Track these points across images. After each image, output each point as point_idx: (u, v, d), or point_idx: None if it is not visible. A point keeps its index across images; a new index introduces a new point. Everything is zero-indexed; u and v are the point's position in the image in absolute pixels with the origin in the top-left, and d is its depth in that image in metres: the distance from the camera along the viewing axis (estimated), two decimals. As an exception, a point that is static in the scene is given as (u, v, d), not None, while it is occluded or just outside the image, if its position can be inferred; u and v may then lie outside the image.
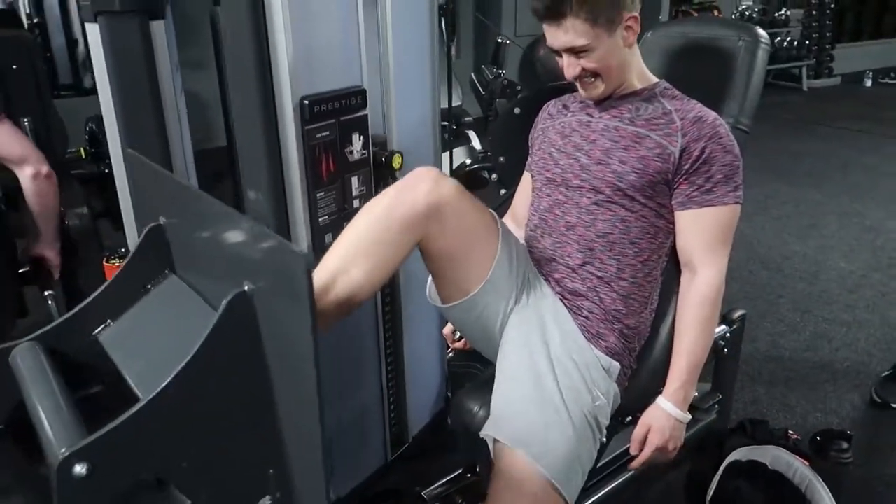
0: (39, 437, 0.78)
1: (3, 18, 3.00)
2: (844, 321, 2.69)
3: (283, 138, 1.31)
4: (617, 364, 1.27)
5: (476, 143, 3.09)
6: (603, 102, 1.34)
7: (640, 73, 1.32)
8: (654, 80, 1.33)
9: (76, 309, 0.94)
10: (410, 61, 1.54)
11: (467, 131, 2.96)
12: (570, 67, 1.26)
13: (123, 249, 1.47)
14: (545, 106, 1.47)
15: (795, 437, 1.90)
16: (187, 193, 0.95)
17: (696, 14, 6.67)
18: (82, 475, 0.68)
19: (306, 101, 1.28)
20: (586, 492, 1.56)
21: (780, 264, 3.21)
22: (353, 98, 1.37)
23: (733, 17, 7.13)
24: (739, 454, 1.74)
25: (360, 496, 1.62)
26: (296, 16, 1.23)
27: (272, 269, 0.75)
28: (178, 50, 1.50)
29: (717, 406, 1.92)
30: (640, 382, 1.31)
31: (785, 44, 7.18)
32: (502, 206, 2.23)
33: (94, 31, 1.31)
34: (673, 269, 1.34)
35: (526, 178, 1.49)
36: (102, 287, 0.97)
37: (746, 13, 7.38)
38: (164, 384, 0.73)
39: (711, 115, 1.26)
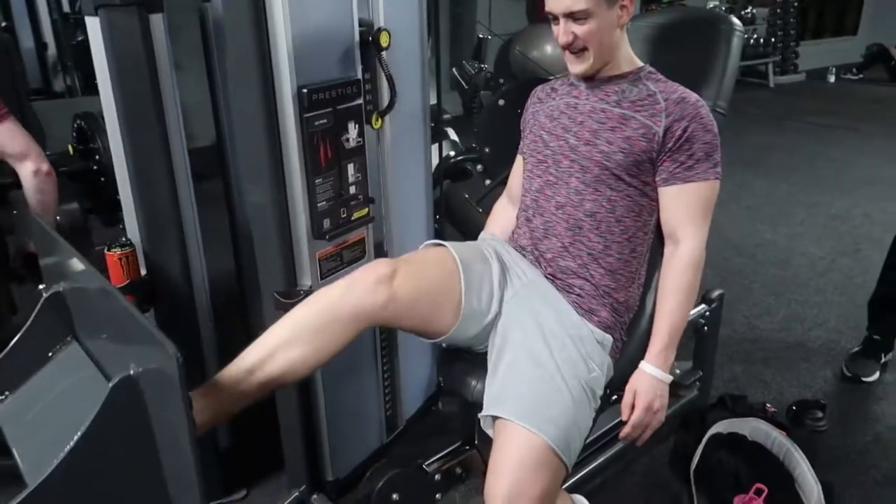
0: None
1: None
2: (815, 303, 2.80)
3: (282, 126, 1.35)
4: (610, 337, 1.33)
5: (455, 139, 3.14)
6: (590, 84, 1.39)
7: (627, 57, 1.38)
8: (640, 63, 1.39)
9: None
10: (402, 54, 1.60)
11: (446, 128, 3.02)
12: (564, 34, 1.30)
13: (124, 239, 1.49)
14: (534, 91, 1.53)
15: (773, 409, 1.99)
16: (81, 267, 0.96)
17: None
18: None
19: (305, 90, 1.32)
20: (577, 466, 1.62)
21: (752, 251, 3.32)
22: (349, 87, 1.41)
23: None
24: (721, 427, 1.82)
25: (358, 475, 1.66)
26: (295, 8, 1.28)
27: (151, 358, 0.77)
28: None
29: (698, 383, 2.00)
30: (629, 354, 1.37)
31: (752, 41, 7.35)
32: (488, 197, 2.30)
33: (94, 24, 1.34)
34: (658, 245, 1.40)
35: (519, 160, 1.55)
36: (2, 355, 0.96)
37: (714, 11, 7.55)
38: (49, 469, 0.73)
39: (693, 96, 1.32)
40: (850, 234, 3.51)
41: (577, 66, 1.35)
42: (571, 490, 1.46)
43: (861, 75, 7.98)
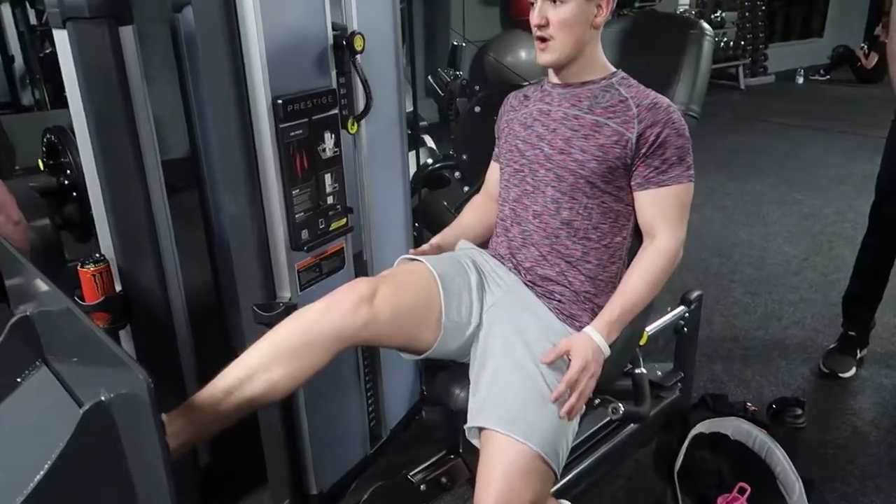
0: None
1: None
2: (791, 301, 2.84)
3: (257, 137, 1.34)
4: None
5: (432, 146, 3.15)
6: (562, 90, 1.39)
7: (600, 63, 1.39)
8: (612, 69, 1.40)
9: None
10: (377, 59, 1.59)
11: (423, 136, 3.03)
12: (538, 14, 1.30)
13: (98, 255, 1.46)
14: (506, 98, 1.53)
15: (753, 408, 2.01)
16: (48, 291, 0.94)
17: (636, 17, 6.90)
18: None
19: (280, 101, 1.31)
20: (562, 471, 1.63)
21: (729, 251, 3.37)
22: (324, 97, 1.41)
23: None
24: (703, 427, 1.84)
25: (342, 488, 1.65)
26: (268, 18, 1.27)
27: (121, 383, 0.75)
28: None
29: (679, 384, 2.02)
30: (610, 359, 1.37)
31: (722, 44, 7.47)
32: (465, 204, 2.30)
33: (62, 37, 1.31)
34: (638, 246, 1.41)
35: (494, 166, 1.56)
36: None
37: (684, 16, 7.66)
38: (20, 500, 0.71)
39: (665, 101, 1.33)
40: (822, 233, 3.57)
41: (546, 55, 1.34)
42: (557, 495, 1.46)
43: (828, 76, 8.15)
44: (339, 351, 1.22)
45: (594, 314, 1.34)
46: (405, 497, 1.53)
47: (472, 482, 1.18)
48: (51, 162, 2.09)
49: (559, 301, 1.35)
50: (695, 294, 1.95)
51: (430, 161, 2.38)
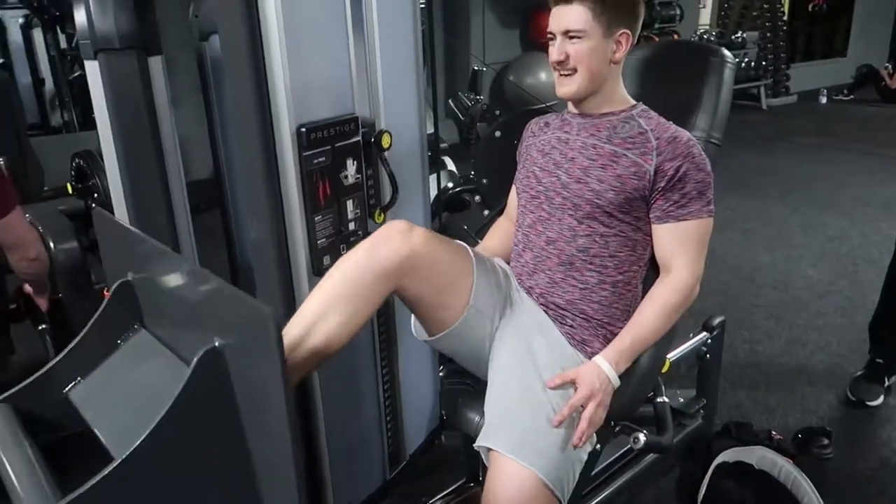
0: (12, 499, 0.77)
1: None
2: (816, 326, 2.80)
3: (281, 165, 1.35)
4: None
5: (453, 168, 3.17)
6: (581, 120, 1.40)
7: (620, 96, 1.40)
8: (633, 102, 1.41)
9: (46, 368, 0.94)
10: (398, 89, 1.61)
11: (443, 157, 3.04)
12: (558, 52, 1.33)
13: (124, 279, 1.49)
14: (528, 124, 1.54)
15: (778, 437, 1.97)
16: (154, 251, 0.97)
17: (657, 39, 6.92)
18: None
19: (303, 129, 1.33)
20: (584, 498, 1.61)
21: (751, 274, 3.33)
22: (347, 125, 1.42)
23: (692, 40, 7.40)
24: (727, 456, 1.81)
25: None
26: (292, 49, 1.29)
27: (241, 326, 0.77)
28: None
29: (702, 411, 1.99)
30: (629, 387, 1.36)
31: (743, 64, 7.43)
32: (486, 227, 2.30)
33: (93, 68, 1.35)
34: (654, 277, 1.41)
35: (514, 190, 1.57)
36: (71, 345, 0.97)
37: (705, 36, 7.66)
38: (137, 442, 0.73)
39: (685, 135, 1.33)
40: (847, 256, 3.52)
41: (565, 88, 1.36)
42: (578, 523, 1.44)
43: (852, 96, 8.07)
44: (388, 291, 1.22)
45: (606, 341, 1.34)
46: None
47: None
48: (79, 185, 2.13)
49: (571, 326, 1.35)
50: (717, 320, 1.93)
51: (450, 185, 2.39)
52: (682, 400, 1.98)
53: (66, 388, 0.94)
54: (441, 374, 1.84)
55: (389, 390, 1.81)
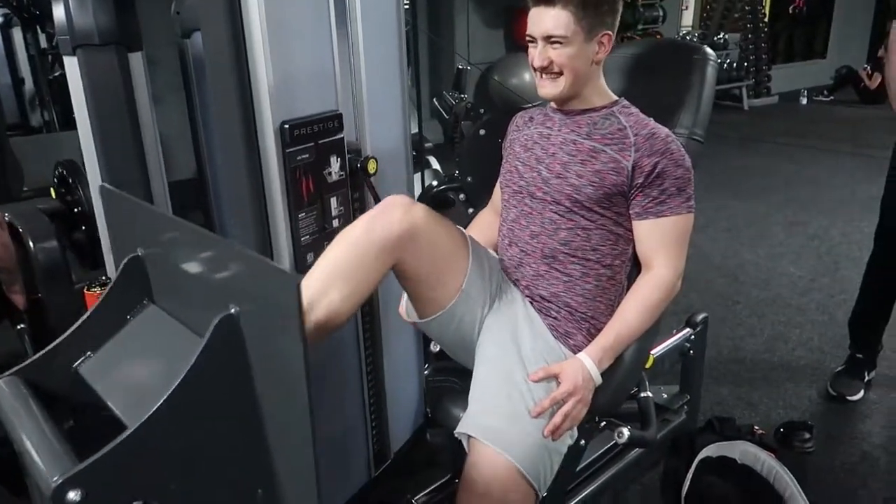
0: (28, 469, 0.77)
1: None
2: (798, 323, 2.83)
3: (264, 162, 1.35)
4: None
5: (437, 168, 3.17)
6: (563, 116, 1.41)
7: (601, 92, 1.40)
8: (614, 98, 1.41)
9: (56, 342, 0.94)
10: (382, 86, 1.61)
11: (428, 157, 3.04)
12: (540, 57, 1.32)
13: (104, 277, 1.47)
14: (514, 117, 1.55)
15: (761, 432, 1.99)
16: (167, 223, 0.96)
17: (639, 39, 6.96)
18: (76, 501, 0.69)
19: (286, 126, 1.33)
20: (568, 494, 1.61)
21: (734, 272, 3.36)
22: (330, 122, 1.42)
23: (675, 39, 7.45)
24: (710, 451, 1.82)
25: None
26: (275, 45, 1.28)
27: (261, 292, 0.77)
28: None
29: (685, 407, 2.00)
30: (613, 382, 1.36)
31: (725, 65, 7.50)
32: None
33: (72, 64, 1.34)
34: (636, 274, 1.41)
35: (499, 184, 1.57)
36: (81, 319, 0.96)
37: (687, 38, 7.71)
38: (153, 409, 0.73)
39: (664, 131, 1.34)
40: (828, 254, 3.56)
41: (548, 90, 1.36)
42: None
43: (832, 97, 8.16)
44: (387, 267, 1.21)
45: (589, 334, 1.35)
46: (409, 523, 1.51)
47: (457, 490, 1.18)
48: (62, 190, 2.10)
49: (554, 318, 1.36)
50: (700, 316, 1.94)
51: (434, 183, 2.39)
52: (665, 396, 1.99)
53: (76, 363, 0.94)
54: (426, 371, 1.84)
55: (374, 388, 1.81)
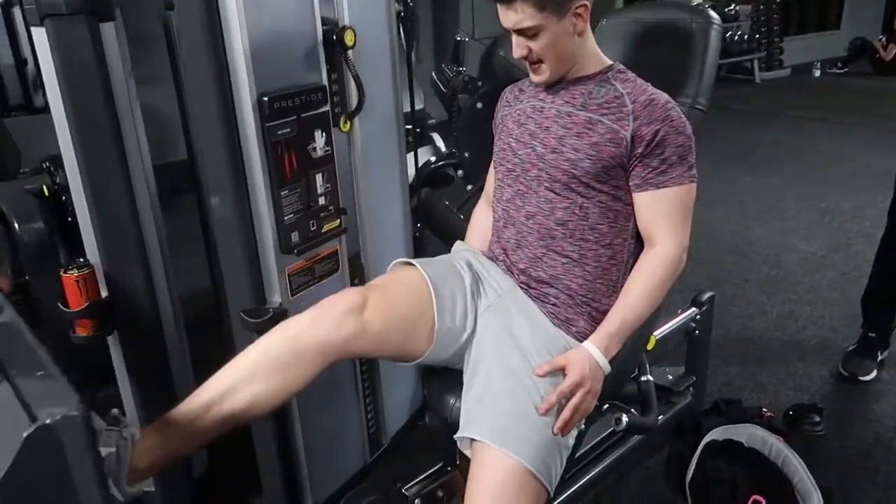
0: None
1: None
2: (809, 300, 2.75)
3: (243, 137, 1.28)
4: None
5: (441, 145, 3.09)
6: (555, 87, 1.33)
7: (594, 57, 1.32)
8: (608, 62, 1.33)
9: None
10: (370, 55, 1.53)
11: (431, 133, 2.96)
12: (518, 48, 1.26)
13: (82, 260, 1.42)
14: (503, 92, 1.47)
15: (769, 414, 1.93)
16: None
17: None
18: None
19: (265, 98, 1.26)
20: (569, 481, 1.56)
21: (744, 249, 3.27)
22: (314, 94, 1.35)
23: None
24: (716, 434, 1.76)
25: (340, 498, 1.59)
26: (251, 11, 1.21)
27: (60, 408, 0.70)
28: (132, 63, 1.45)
29: (691, 388, 1.94)
30: (614, 365, 1.31)
31: (736, 38, 7.34)
32: (468, 202, 2.24)
33: (40, 35, 1.27)
34: (640, 251, 1.34)
35: (493, 169, 1.50)
36: None
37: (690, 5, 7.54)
38: None
39: (663, 97, 1.26)
40: (841, 229, 3.46)
41: (536, 77, 1.31)
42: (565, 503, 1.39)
43: (846, 69, 7.99)
44: (324, 366, 1.16)
45: (591, 319, 1.28)
46: (400, 511, 1.47)
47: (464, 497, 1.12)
48: (52, 170, 2.04)
49: (553, 304, 1.29)
50: (706, 295, 1.88)
51: (432, 159, 2.32)
52: (670, 377, 1.94)
53: None
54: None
55: (368, 372, 1.76)
